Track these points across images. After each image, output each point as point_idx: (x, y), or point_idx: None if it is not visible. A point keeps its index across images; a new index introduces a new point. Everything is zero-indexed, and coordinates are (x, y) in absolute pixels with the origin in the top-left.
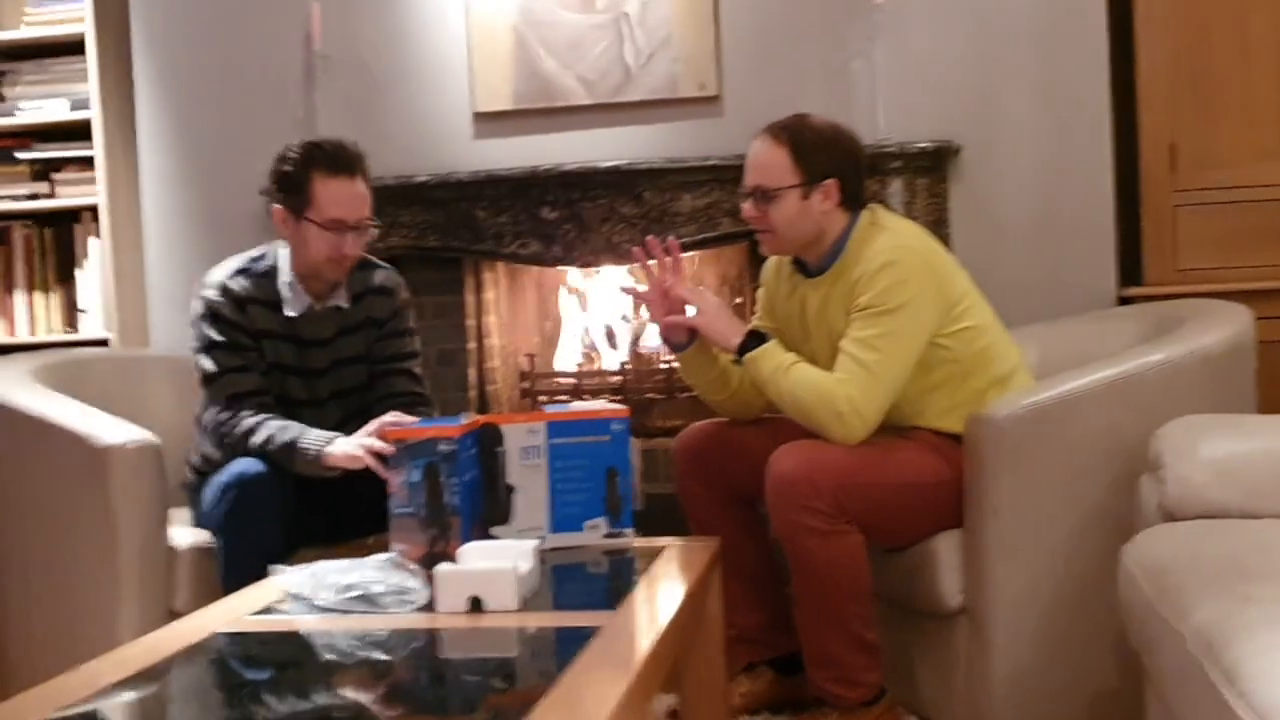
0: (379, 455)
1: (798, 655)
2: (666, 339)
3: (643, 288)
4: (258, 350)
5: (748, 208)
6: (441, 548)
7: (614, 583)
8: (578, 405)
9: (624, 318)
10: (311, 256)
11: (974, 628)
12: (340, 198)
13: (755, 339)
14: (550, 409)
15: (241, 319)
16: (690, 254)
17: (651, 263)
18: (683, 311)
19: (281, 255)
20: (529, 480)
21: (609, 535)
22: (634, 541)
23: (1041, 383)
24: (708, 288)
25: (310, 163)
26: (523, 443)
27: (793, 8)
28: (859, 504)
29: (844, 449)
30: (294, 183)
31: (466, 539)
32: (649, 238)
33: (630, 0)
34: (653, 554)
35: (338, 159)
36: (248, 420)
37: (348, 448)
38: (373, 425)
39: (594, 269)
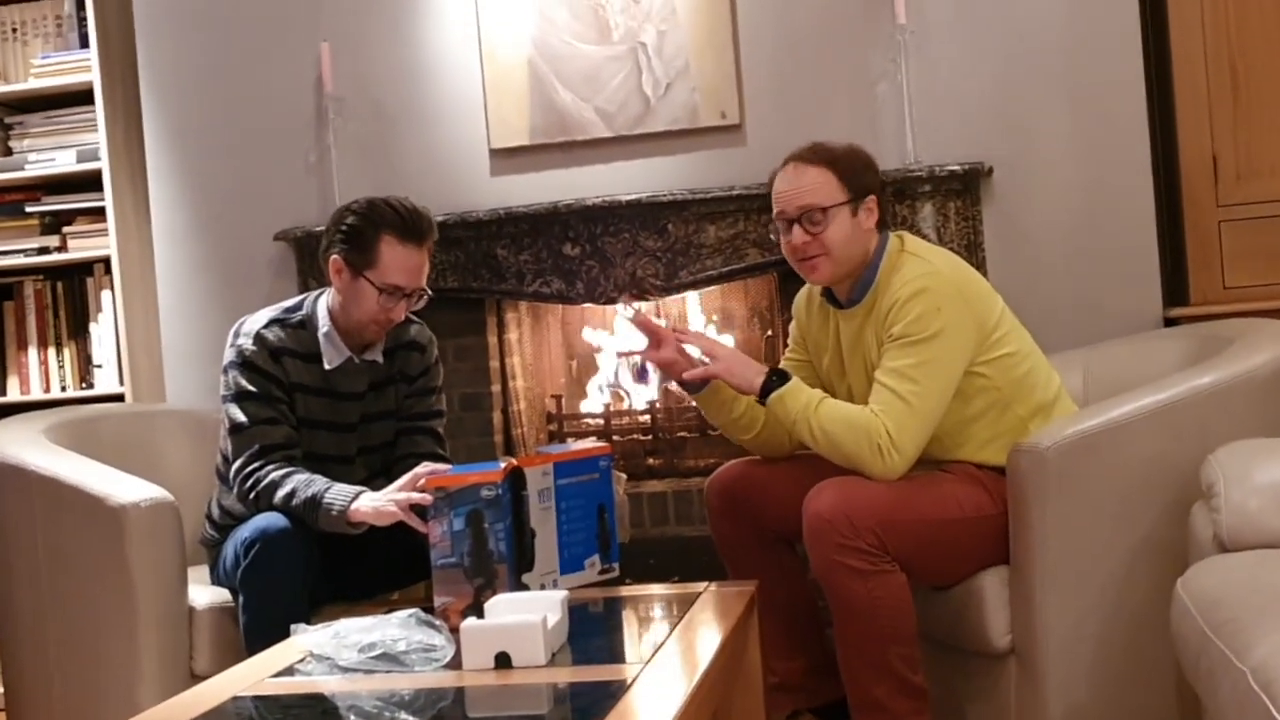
0: (415, 507)
1: (842, 702)
2: (682, 384)
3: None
4: (289, 403)
5: (798, 233)
6: (488, 597)
7: (647, 632)
8: (559, 447)
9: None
10: (357, 314)
11: (1024, 668)
12: (406, 265)
13: (778, 378)
14: (543, 450)
15: (276, 370)
16: (712, 287)
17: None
18: (690, 359)
19: (319, 306)
20: (543, 523)
21: (603, 571)
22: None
23: (1086, 410)
24: (735, 321)
25: (382, 223)
26: (539, 486)
27: (814, 30)
28: (900, 541)
29: (883, 485)
30: (361, 239)
31: (512, 587)
32: (623, 298)
33: (647, 30)
34: (688, 599)
35: (411, 226)
36: (274, 474)
37: (375, 503)
38: (405, 479)
39: (619, 305)
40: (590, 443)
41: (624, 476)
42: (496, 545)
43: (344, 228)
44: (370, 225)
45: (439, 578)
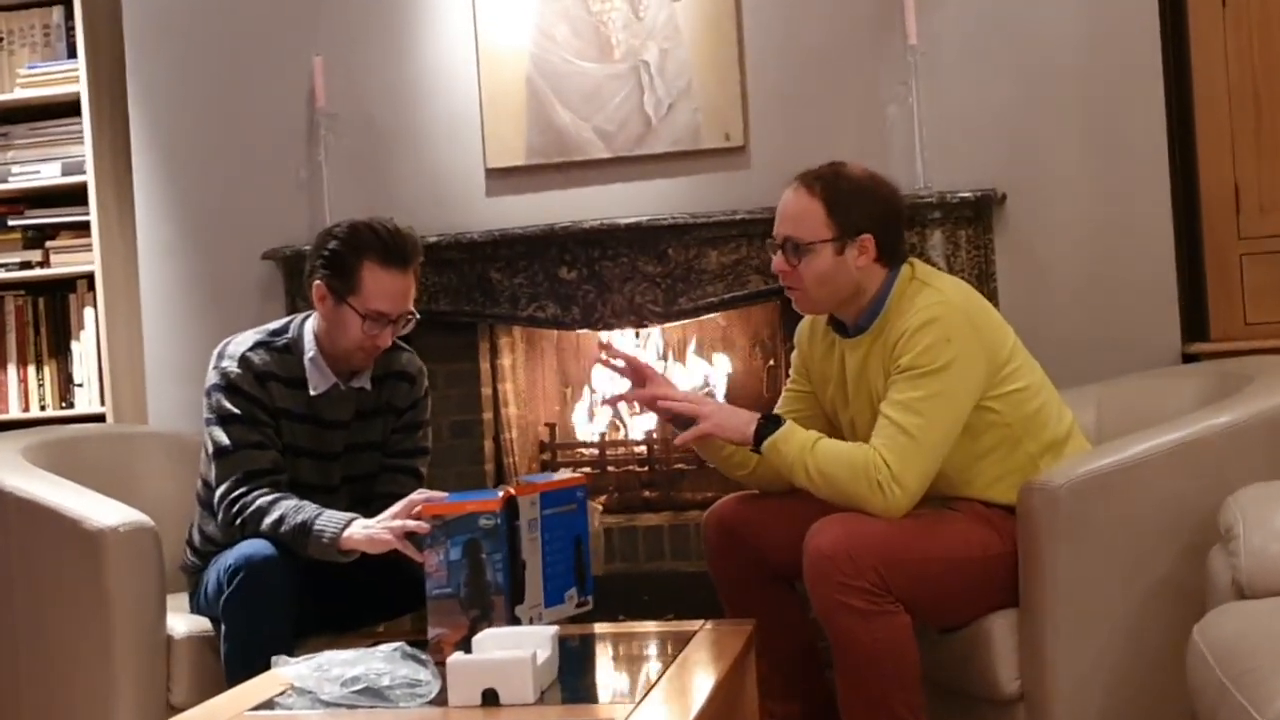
0: (410, 535)
1: None
2: (672, 422)
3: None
4: (274, 427)
5: (778, 260)
6: (484, 630)
7: (640, 670)
8: (541, 476)
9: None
10: (343, 341)
11: (1033, 715)
12: (389, 291)
13: (771, 424)
14: (525, 480)
15: (261, 394)
16: (713, 315)
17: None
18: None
19: (306, 330)
20: (531, 554)
21: (579, 604)
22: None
23: (1100, 448)
24: (736, 350)
25: (363, 248)
26: (529, 515)
27: (823, 51)
28: (904, 581)
29: (887, 522)
30: (342, 264)
31: (509, 620)
32: (604, 344)
33: (649, 48)
34: (683, 638)
35: (393, 250)
36: (261, 499)
37: (369, 530)
38: (399, 506)
39: (616, 331)
40: (568, 473)
41: (599, 508)
42: (494, 576)
43: (325, 253)
44: (351, 250)
45: (434, 609)
